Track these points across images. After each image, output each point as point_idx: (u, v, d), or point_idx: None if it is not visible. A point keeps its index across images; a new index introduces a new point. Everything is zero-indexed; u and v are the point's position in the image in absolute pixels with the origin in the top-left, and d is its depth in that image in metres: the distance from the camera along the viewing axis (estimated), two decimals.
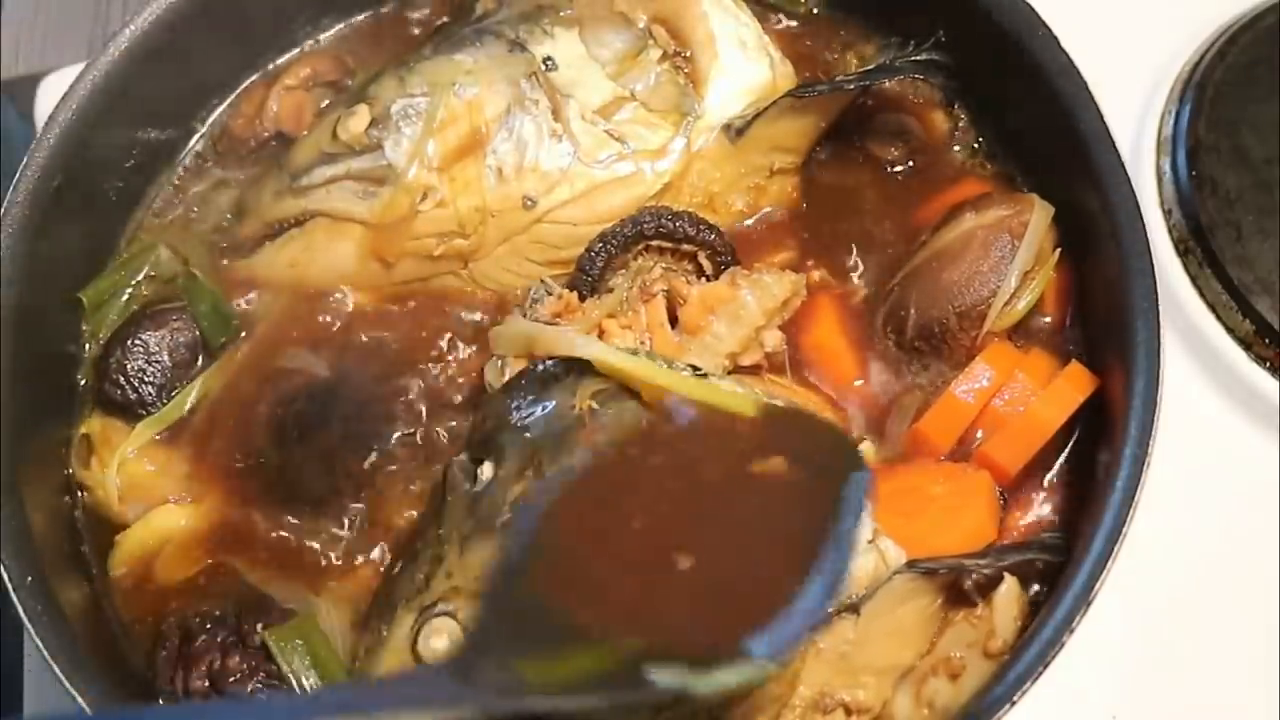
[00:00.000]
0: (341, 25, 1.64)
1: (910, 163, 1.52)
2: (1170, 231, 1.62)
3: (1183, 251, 1.60)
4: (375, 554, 1.36)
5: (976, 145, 1.52)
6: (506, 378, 1.31)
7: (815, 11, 1.60)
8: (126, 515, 1.40)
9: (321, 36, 1.63)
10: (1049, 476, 1.37)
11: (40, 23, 2.11)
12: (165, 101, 1.53)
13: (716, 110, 1.44)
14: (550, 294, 1.35)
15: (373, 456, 1.37)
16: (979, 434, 1.37)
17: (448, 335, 1.45)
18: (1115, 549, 1.19)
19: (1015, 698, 1.15)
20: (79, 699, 1.19)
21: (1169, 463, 1.28)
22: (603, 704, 0.95)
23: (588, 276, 1.37)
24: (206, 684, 1.26)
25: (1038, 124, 1.42)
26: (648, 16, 1.47)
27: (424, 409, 1.40)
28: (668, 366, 1.22)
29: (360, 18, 1.64)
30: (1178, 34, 1.73)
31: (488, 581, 1.13)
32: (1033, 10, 1.41)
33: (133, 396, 1.42)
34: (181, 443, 1.42)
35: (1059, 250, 1.40)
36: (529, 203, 1.39)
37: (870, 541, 1.22)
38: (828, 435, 1.21)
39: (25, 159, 1.38)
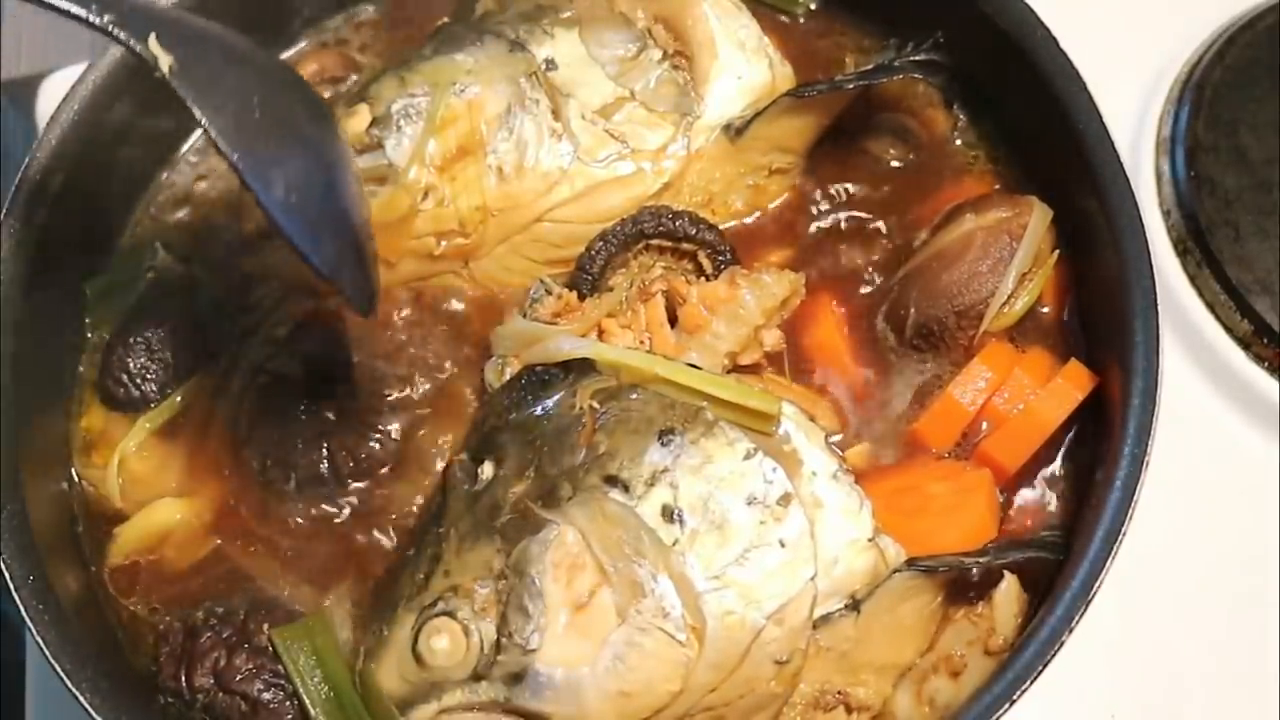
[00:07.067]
0: (343, 21, 1.64)
1: (910, 162, 1.52)
2: (1169, 232, 1.62)
3: (1181, 251, 1.61)
4: (376, 537, 1.37)
5: (976, 145, 1.52)
6: (506, 378, 1.31)
7: (814, 9, 1.61)
8: (128, 511, 1.40)
9: (322, 33, 1.63)
10: (1048, 474, 1.37)
11: (42, 23, 2.11)
12: (166, 101, 1.52)
13: (716, 110, 1.44)
14: (550, 293, 1.35)
15: (368, 437, 1.38)
16: (984, 426, 1.37)
17: (447, 333, 1.45)
18: (1115, 548, 1.19)
19: (1015, 696, 1.15)
20: (80, 698, 1.19)
21: (1168, 461, 1.28)
22: None
23: (588, 275, 1.37)
24: (211, 681, 1.26)
25: (1037, 124, 1.42)
26: (648, 17, 1.48)
27: (420, 400, 1.41)
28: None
29: (362, 13, 1.65)
30: (1177, 34, 1.73)
31: None
32: (1032, 10, 1.41)
33: (135, 394, 1.42)
34: (181, 436, 1.42)
35: (1057, 251, 1.40)
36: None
37: (870, 540, 1.22)
38: None
39: (26, 159, 1.38)
